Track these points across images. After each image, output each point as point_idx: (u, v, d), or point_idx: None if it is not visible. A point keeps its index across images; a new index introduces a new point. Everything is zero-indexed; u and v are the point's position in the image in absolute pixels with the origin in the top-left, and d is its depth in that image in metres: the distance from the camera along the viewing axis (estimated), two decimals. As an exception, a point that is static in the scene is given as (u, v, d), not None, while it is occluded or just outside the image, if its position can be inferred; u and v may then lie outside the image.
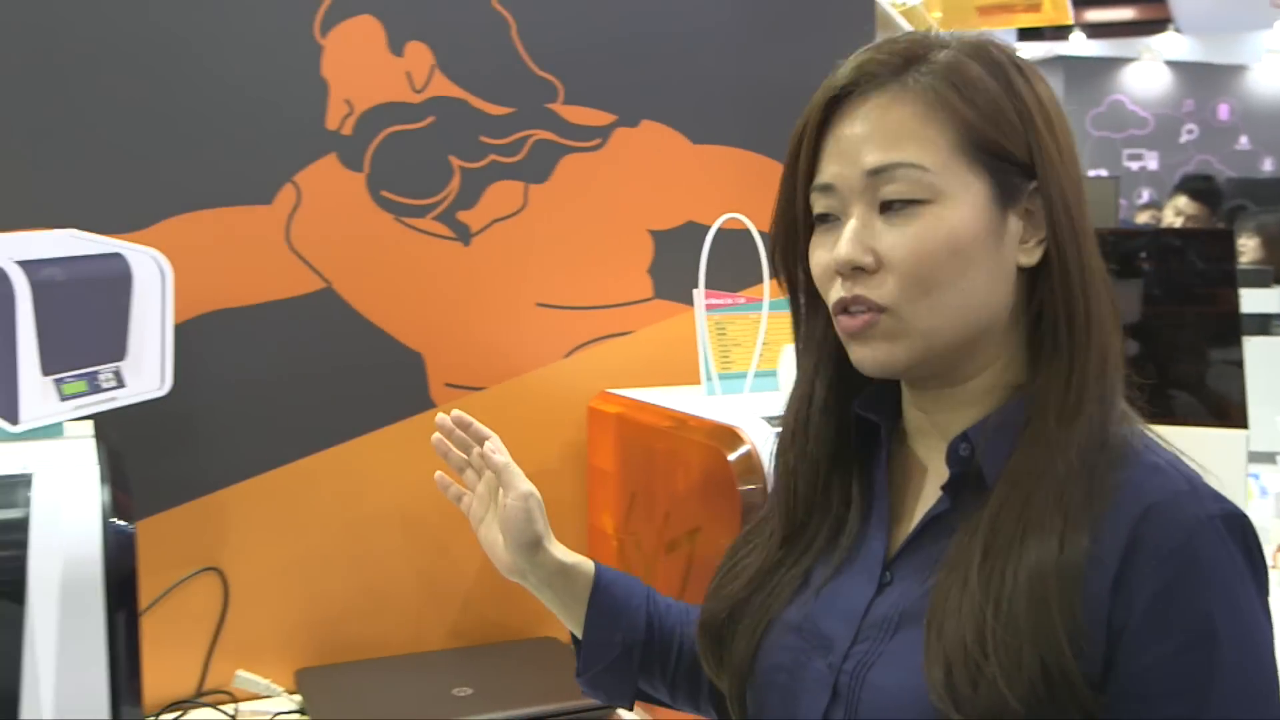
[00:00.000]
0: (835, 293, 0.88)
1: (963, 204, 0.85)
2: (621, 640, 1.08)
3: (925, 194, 0.84)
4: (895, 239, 0.85)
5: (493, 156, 1.72)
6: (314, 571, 1.66)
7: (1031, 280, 0.88)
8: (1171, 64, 10.45)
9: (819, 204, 0.90)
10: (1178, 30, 10.11)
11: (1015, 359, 0.90)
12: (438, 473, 1.15)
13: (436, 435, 1.12)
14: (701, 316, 1.65)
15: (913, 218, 0.85)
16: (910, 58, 0.87)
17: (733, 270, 1.71)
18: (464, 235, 1.71)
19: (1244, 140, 10.48)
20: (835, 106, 0.88)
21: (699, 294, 1.66)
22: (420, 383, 1.70)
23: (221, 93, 1.57)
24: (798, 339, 0.99)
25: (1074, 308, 0.85)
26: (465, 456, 1.12)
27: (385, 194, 1.66)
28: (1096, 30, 9.39)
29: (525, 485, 1.07)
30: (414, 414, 1.70)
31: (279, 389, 1.62)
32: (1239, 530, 0.82)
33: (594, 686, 1.11)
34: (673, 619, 1.11)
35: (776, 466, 0.99)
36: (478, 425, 1.12)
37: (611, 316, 1.81)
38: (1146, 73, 10.53)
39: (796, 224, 0.92)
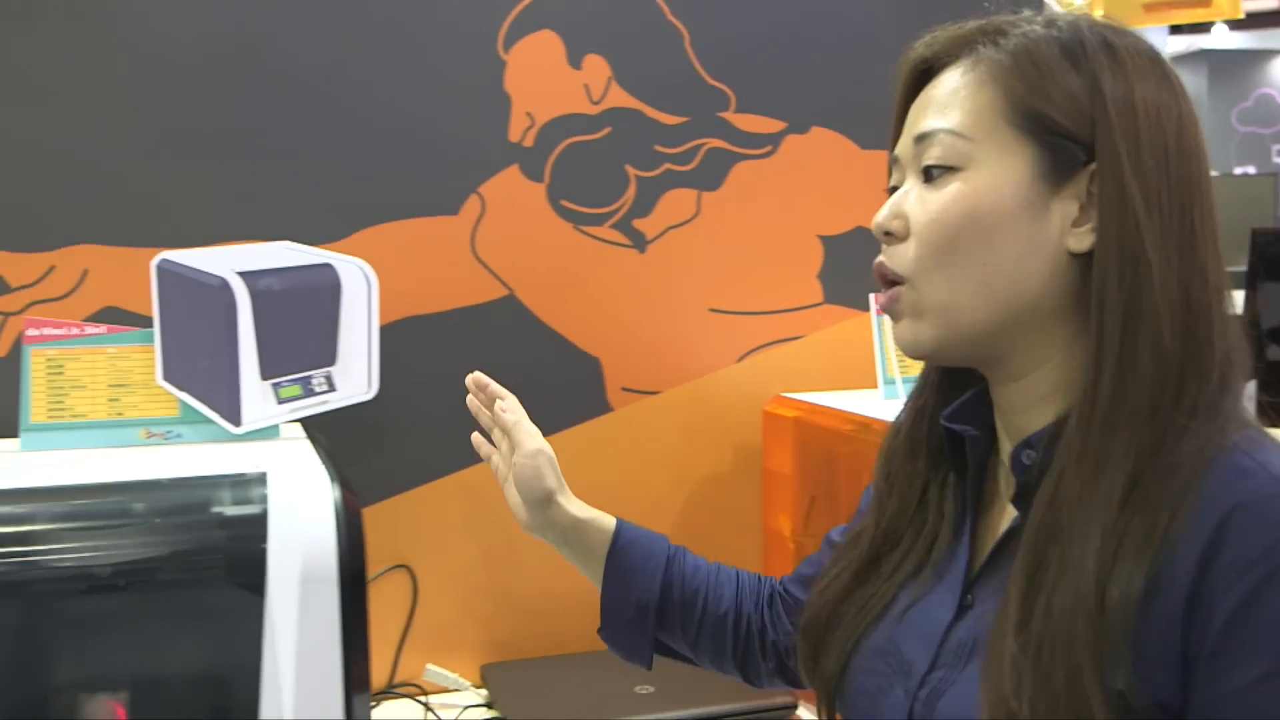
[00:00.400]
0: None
1: (996, 173, 0.81)
2: (636, 601, 1.08)
3: (958, 161, 0.81)
4: (922, 206, 0.83)
5: (667, 165, 1.75)
6: (497, 570, 1.71)
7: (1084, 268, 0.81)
8: (1220, 52, 9.99)
9: (892, 179, 0.89)
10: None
11: (1081, 355, 0.81)
12: (474, 433, 1.18)
13: (469, 396, 1.17)
14: (877, 320, 1.66)
15: (941, 186, 0.82)
16: (984, 31, 0.85)
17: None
18: (639, 243, 1.75)
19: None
20: (912, 85, 0.90)
21: (875, 298, 1.66)
22: (598, 387, 1.75)
23: (412, 109, 1.63)
24: None
25: (1125, 301, 0.77)
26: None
27: (564, 203, 1.71)
28: (1250, 21, 9.05)
29: (533, 443, 1.11)
30: (592, 417, 1.74)
31: (463, 394, 1.67)
32: None
33: (613, 642, 1.12)
34: (699, 580, 1.11)
35: (878, 474, 0.96)
36: (494, 386, 1.15)
37: (782, 321, 1.83)
38: (1296, 65, 10.16)
39: None
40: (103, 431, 1.31)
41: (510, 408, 1.14)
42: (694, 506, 1.78)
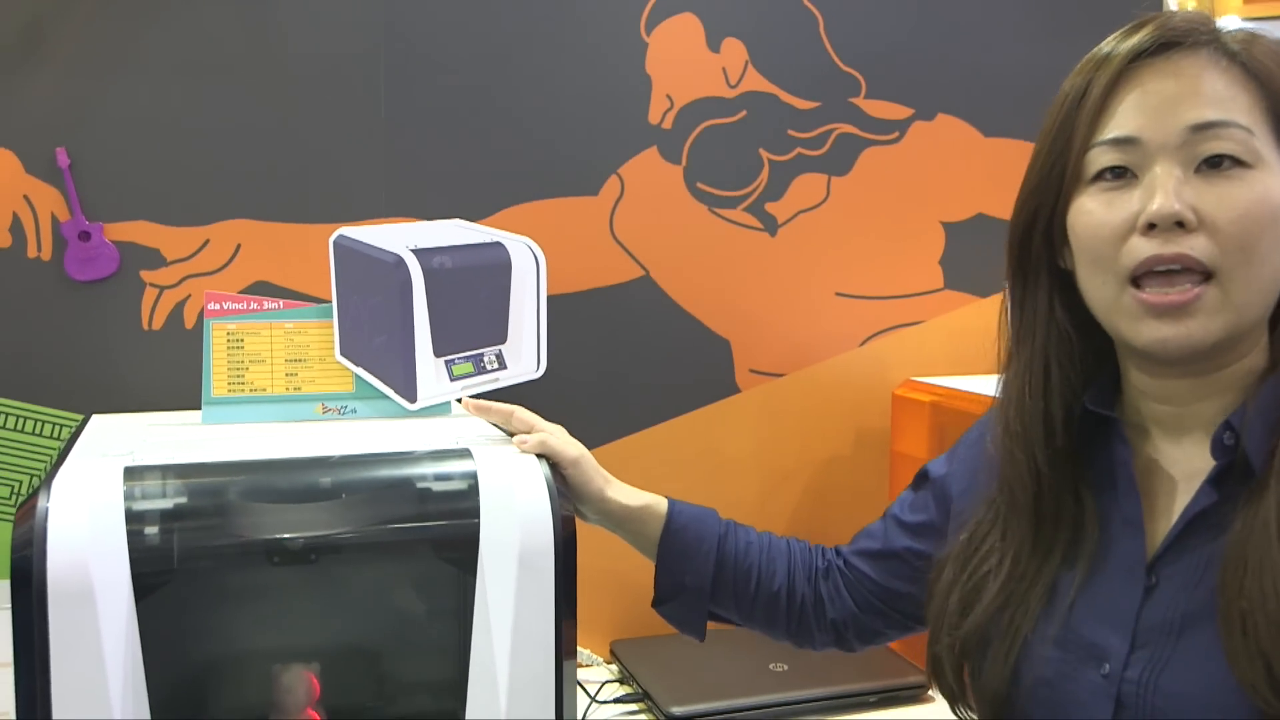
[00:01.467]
0: (1135, 252, 0.84)
1: (1275, 176, 0.83)
2: (689, 582, 1.15)
3: (1249, 157, 0.82)
4: (1220, 199, 0.82)
5: (799, 150, 1.76)
6: (627, 550, 1.73)
7: None
8: None
9: (1107, 158, 0.85)
10: None
11: (1266, 345, 0.87)
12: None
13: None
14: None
15: (1238, 180, 0.82)
16: (1212, 27, 0.86)
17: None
18: (771, 226, 1.76)
19: None
20: (1133, 65, 0.86)
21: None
22: (728, 368, 1.76)
23: (557, 91, 1.64)
24: (1018, 322, 0.96)
25: None
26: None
27: (700, 185, 1.72)
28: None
29: (572, 451, 1.15)
30: (721, 398, 1.76)
31: (599, 372, 1.69)
32: None
33: (668, 617, 1.20)
34: (752, 558, 1.16)
35: (1012, 460, 0.94)
36: (495, 407, 1.19)
37: (904, 306, 1.85)
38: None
39: (1062, 185, 0.89)
40: (280, 406, 1.32)
41: (524, 418, 1.17)
42: (819, 486, 1.80)
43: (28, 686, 0.94)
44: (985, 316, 1.78)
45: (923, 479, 1.13)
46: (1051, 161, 0.90)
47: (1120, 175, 0.85)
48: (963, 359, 1.83)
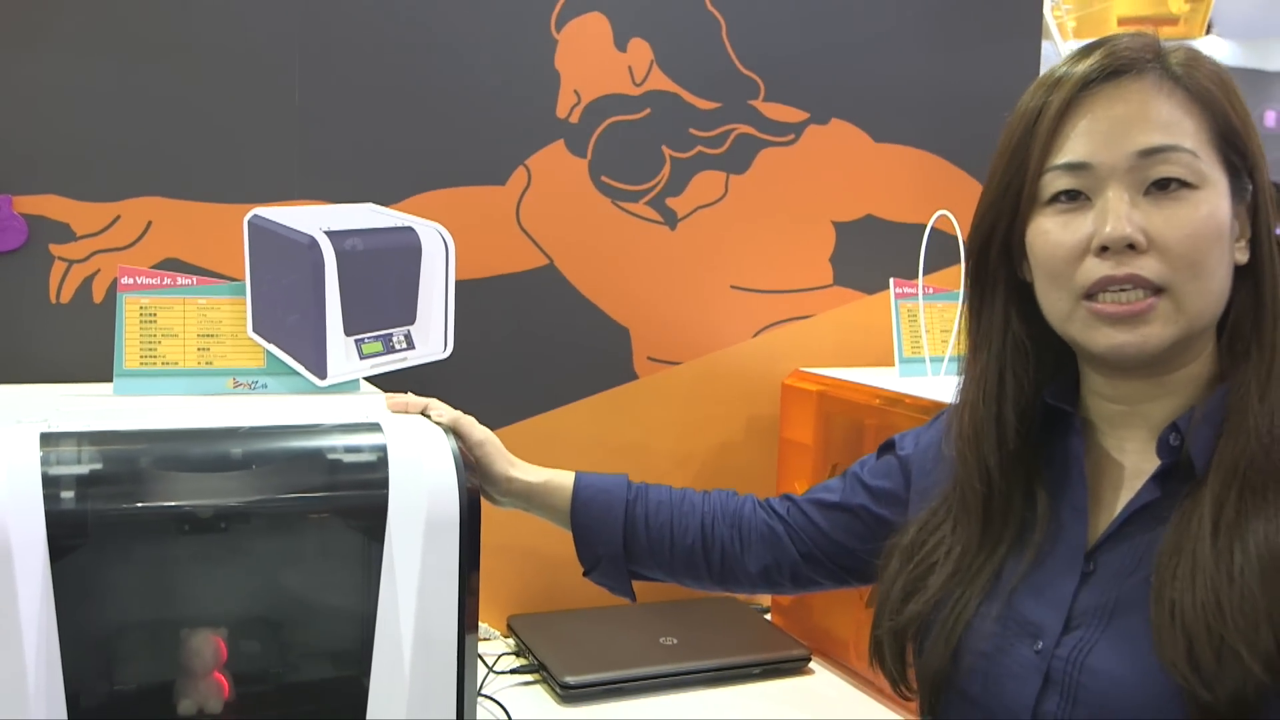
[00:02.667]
0: (1089, 273, 0.89)
1: (1217, 194, 0.89)
2: (603, 551, 1.24)
3: (1196, 179, 0.88)
4: (1168, 220, 0.87)
5: (700, 148, 1.84)
6: (523, 528, 1.79)
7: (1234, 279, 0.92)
8: None
9: (1061, 182, 0.91)
10: (1218, 35, 10.17)
11: (1213, 352, 0.93)
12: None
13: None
14: (896, 304, 1.78)
15: (1185, 201, 0.87)
16: (1157, 50, 0.90)
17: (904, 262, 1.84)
18: (671, 220, 1.84)
19: (1289, 148, 10.57)
20: (1084, 90, 0.90)
21: (926, 281, 1.78)
22: (626, 355, 1.84)
23: (468, 82, 1.69)
24: (975, 329, 1.02)
25: (1276, 302, 0.91)
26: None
27: (605, 179, 1.79)
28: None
29: (477, 434, 1.24)
30: (620, 384, 1.84)
31: (503, 357, 1.75)
32: None
33: (598, 583, 1.28)
34: (662, 518, 1.23)
35: (964, 462, 1.00)
36: (414, 401, 1.25)
37: (795, 300, 1.94)
38: (1193, 78, 10.60)
39: (1018, 207, 0.94)
40: (192, 379, 1.35)
41: (440, 410, 1.24)
42: (711, 470, 1.89)
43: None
44: (871, 312, 1.93)
45: (888, 448, 1.19)
46: (1008, 181, 0.95)
47: (1074, 198, 0.91)
48: (849, 352, 1.93)
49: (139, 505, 1.10)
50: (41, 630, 1.00)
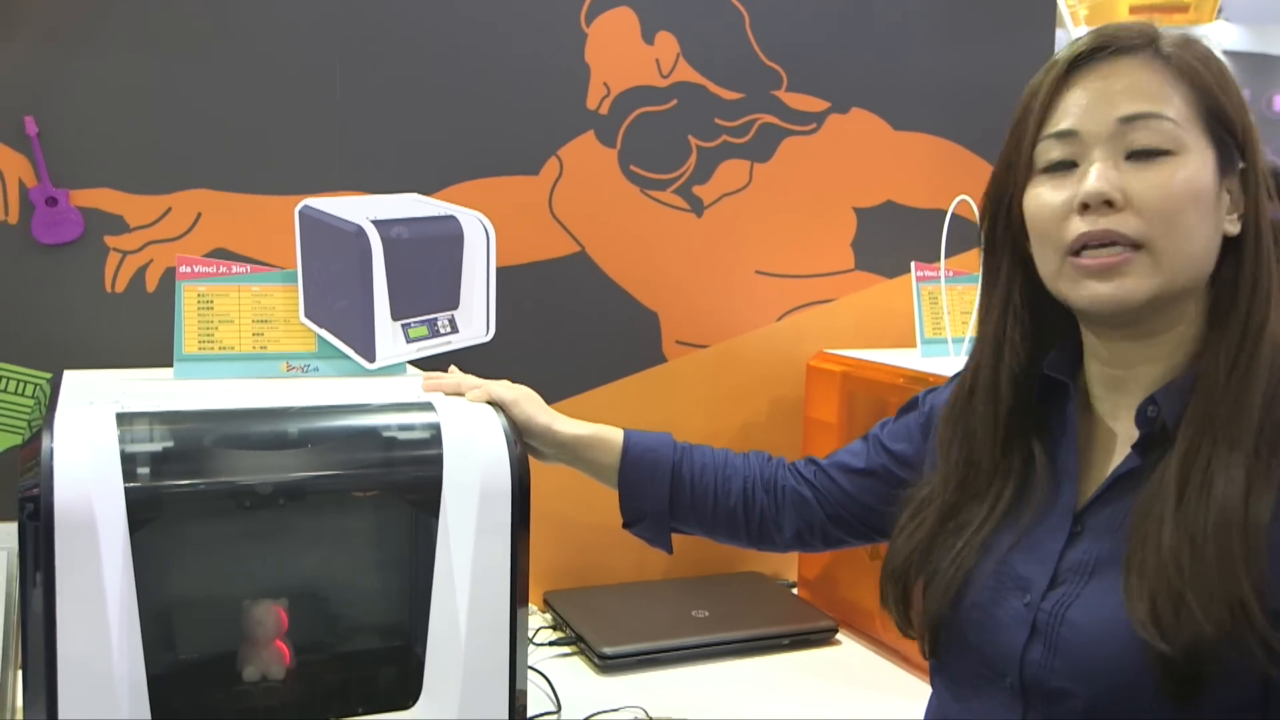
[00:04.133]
0: (1072, 229, 0.94)
1: (1199, 162, 0.93)
2: (649, 507, 1.30)
3: (1172, 145, 0.92)
4: (1145, 181, 0.92)
5: (725, 137, 1.90)
6: (559, 506, 1.85)
7: (1222, 254, 0.96)
8: (1229, 53, 10.52)
9: (1054, 150, 0.96)
10: (1226, 19, 10.19)
11: (1197, 322, 0.97)
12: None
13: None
14: (917, 287, 1.83)
15: (1163, 165, 0.92)
16: (1149, 35, 0.96)
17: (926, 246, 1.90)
18: (697, 208, 1.90)
19: (1298, 132, 10.59)
20: (1077, 67, 0.96)
21: (944, 265, 1.84)
22: (655, 339, 1.90)
23: (502, 76, 1.75)
24: (986, 300, 1.07)
25: (1260, 277, 0.94)
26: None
27: (633, 168, 1.85)
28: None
29: (512, 393, 1.29)
30: (649, 367, 1.90)
31: (538, 341, 1.81)
32: None
33: (638, 535, 1.33)
34: (707, 478, 1.29)
35: (950, 425, 1.07)
36: (446, 382, 1.31)
37: (818, 285, 2.00)
38: (1201, 62, 10.61)
39: (1018, 175, 0.99)
40: (247, 363, 1.42)
41: (473, 386, 1.29)
42: (738, 448, 1.92)
43: (36, 613, 1.03)
44: (892, 295, 1.99)
45: (909, 407, 1.26)
46: (1010, 155, 1.01)
47: (1065, 165, 0.96)
48: (871, 333, 1.99)
49: (209, 480, 1.16)
50: (124, 598, 1.06)
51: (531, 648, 1.69)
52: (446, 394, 1.29)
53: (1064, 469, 1.02)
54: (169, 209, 1.61)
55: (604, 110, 1.82)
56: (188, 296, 1.39)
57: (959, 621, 1.02)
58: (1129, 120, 0.94)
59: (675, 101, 1.86)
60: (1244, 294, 0.95)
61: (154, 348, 1.52)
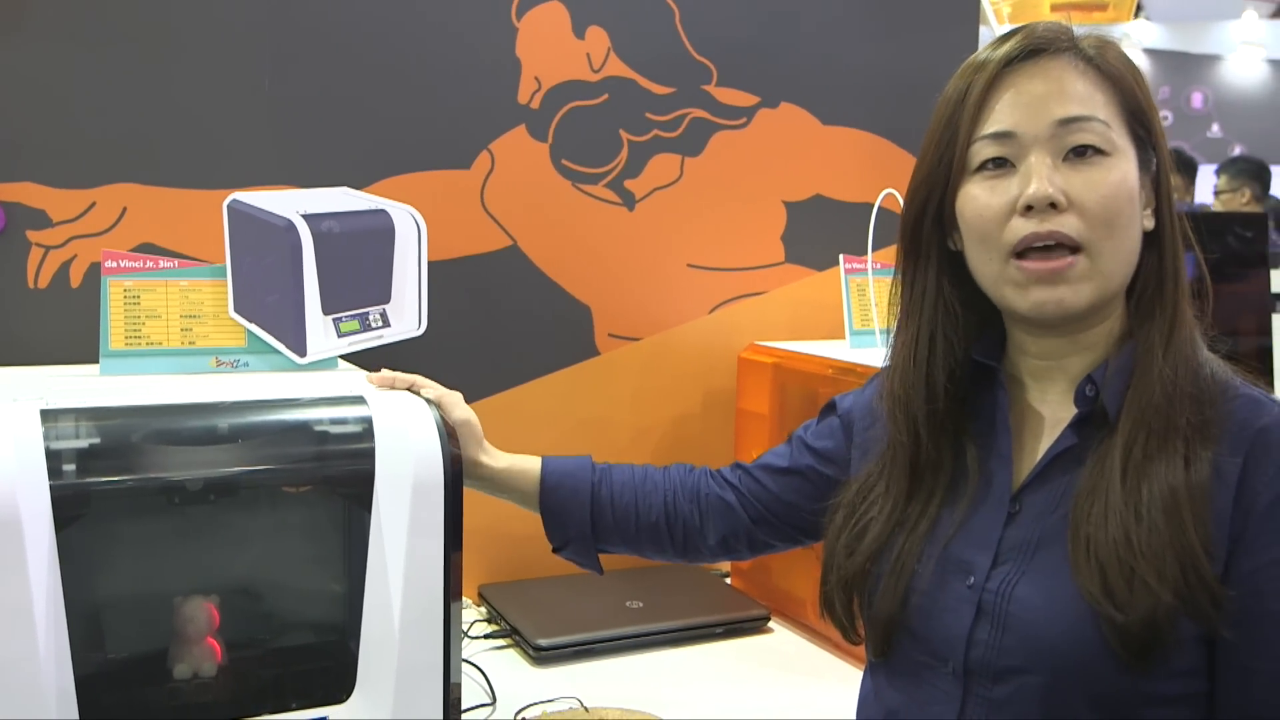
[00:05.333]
0: (1015, 231, 0.97)
1: (1128, 162, 0.98)
2: (573, 533, 1.32)
3: (1109, 147, 0.97)
4: (1085, 182, 0.95)
5: (656, 131, 1.91)
6: (494, 503, 1.85)
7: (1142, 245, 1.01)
8: (1149, 51, 10.75)
9: (989, 150, 0.99)
10: (1148, 18, 10.41)
11: (1123, 312, 1.02)
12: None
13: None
14: (846, 279, 1.86)
15: (1100, 166, 0.96)
16: (1071, 36, 1.00)
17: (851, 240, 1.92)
18: (629, 201, 1.91)
19: (1215, 129, 10.84)
20: (1006, 68, 0.99)
21: (874, 258, 1.87)
22: (588, 332, 1.91)
23: (433, 69, 1.75)
24: (907, 297, 1.10)
25: (1177, 268, 1.00)
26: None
27: (565, 162, 1.85)
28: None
29: (458, 414, 1.29)
30: (582, 360, 1.90)
31: (471, 335, 1.81)
32: None
33: (567, 559, 1.35)
34: (627, 498, 1.31)
35: (894, 420, 1.08)
36: (400, 377, 1.30)
37: (749, 278, 2.02)
38: (1123, 59, 10.81)
39: (949, 176, 1.02)
40: (176, 359, 1.40)
41: (426, 384, 1.31)
42: (671, 440, 1.96)
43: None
44: (821, 287, 2.01)
45: (830, 409, 1.28)
46: (939, 155, 1.02)
47: (1001, 165, 0.99)
48: (801, 325, 2.02)
49: (137, 477, 1.15)
50: (50, 598, 1.05)
51: (467, 641, 1.69)
52: (399, 389, 1.29)
53: (997, 453, 1.05)
54: (93, 203, 1.58)
55: (535, 104, 1.82)
56: (114, 292, 1.38)
57: (906, 616, 1.04)
58: (1067, 123, 0.97)
59: (606, 96, 1.87)
60: (1168, 285, 0.99)
61: (79, 344, 1.50)
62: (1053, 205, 0.96)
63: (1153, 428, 0.95)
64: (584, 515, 1.31)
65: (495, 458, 1.33)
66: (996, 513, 1.02)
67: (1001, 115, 0.99)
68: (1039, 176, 0.96)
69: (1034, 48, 1.00)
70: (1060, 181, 0.96)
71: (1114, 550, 0.91)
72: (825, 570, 1.12)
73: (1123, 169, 0.97)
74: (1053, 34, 1.01)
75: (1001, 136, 0.99)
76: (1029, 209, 0.96)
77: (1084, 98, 0.97)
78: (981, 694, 0.98)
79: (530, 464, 1.33)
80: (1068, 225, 0.96)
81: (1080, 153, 0.97)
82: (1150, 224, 1.01)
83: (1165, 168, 1.01)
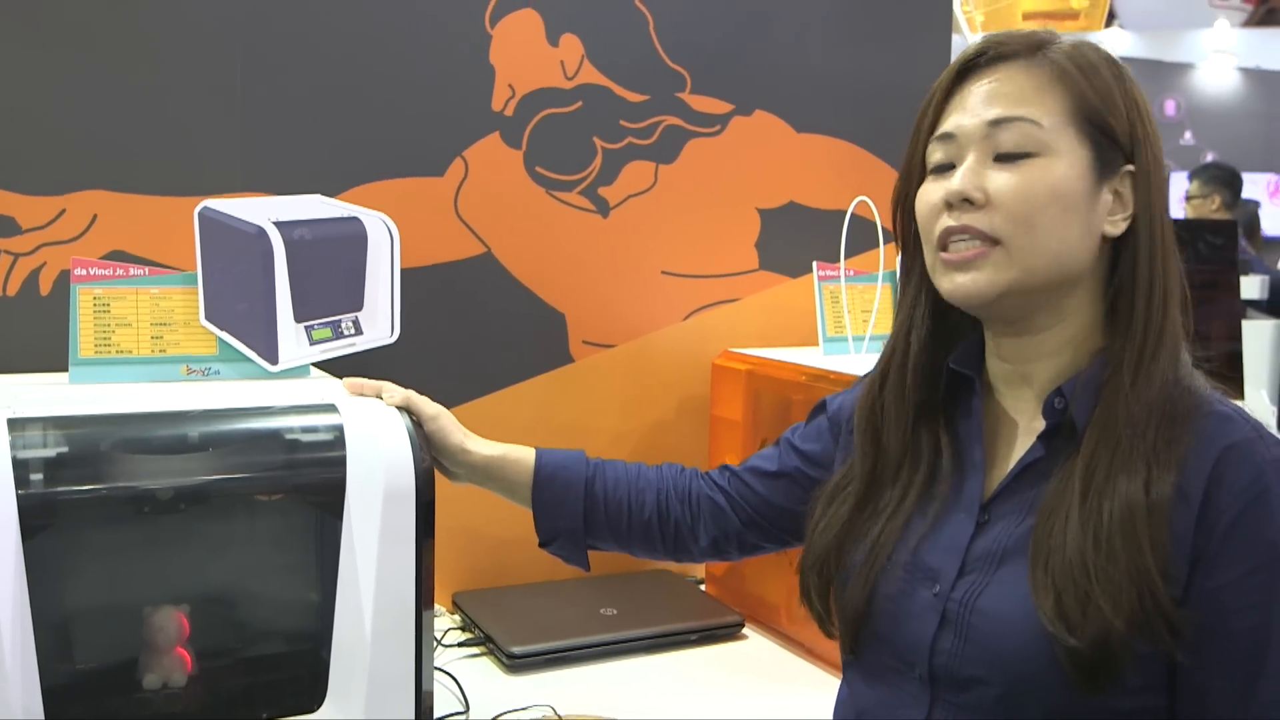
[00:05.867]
0: (940, 225, 1.00)
1: (1067, 164, 0.97)
2: (563, 526, 1.31)
3: (1035, 148, 0.97)
4: (1005, 182, 0.97)
5: (630, 139, 1.92)
6: (467, 507, 1.85)
7: (1116, 255, 1.00)
8: (1121, 59, 10.84)
9: (937, 153, 1.02)
10: (1121, 27, 10.49)
11: (1098, 324, 1.02)
12: None
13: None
14: (819, 285, 1.87)
15: (1025, 166, 0.97)
16: (1037, 42, 1.01)
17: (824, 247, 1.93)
18: (603, 209, 1.91)
19: (1188, 136, 10.92)
20: (965, 75, 1.02)
21: (854, 265, 1.87)
22: (562, 339, 1.91)
23: (405, 76, 1.75)
24: (902, 295, 1.12)
25: (1151, 280, 0.98)
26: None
27: (539, 170, 1.86)
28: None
29: (430, 409, 1.29)
30: (556, 367, 1.90)
31: (445, 343, 1.81)
32: None
33: (554, 554, 1.34)
34: (620, 494, 1.30)
35: (863, 415, 1.11)
36: (369, 384, 1.30)
37: (723, 285, 2.03)
38: (1096, 67, 10.88)
39: (913, 175, 1.05)
40: (146, 367, 1.39)
41: (392, 391, 1.29)
42: (646, 446, 1.97)
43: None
44: (795, 295, 2.02)
45: (819, 410, 1.28)
46: (909, 156, 1.07)
47: (941, 169, 1.02)
48: (775, 332, 2.03)
49: (105, 486, 1.14)
50: (17, 608, 1.05)
51: (440, 649, 1.69)
52: (368, 395, 1.28)
53: (970, 460, 1.06)
54: (63, 210, 1.57)
55: (509, 112, 1.82)
56: (83, 299, 1.37)
57: (874, 617, 1.05)
58: (996, 123, 0.99)
59: (580, 103, 1.87)
60: (1140, 296, 0.99)
61: (48, 352, 1.49)
62: (969, 201, 0.98)
63: (1117, 447, 0.95)
64: (577, 510, 1.30)
65: (484, 445, 1.31)
66: (967, 521, 1.03)
67: (949, 118, 1.02)
68: (961, 174, 0.99)
69: (992, 53, 1.02)
70: (982, 179, 0.99)
71: (1070, 574, 0.91)
72: (804, 559, 1.13)
73: (1055, 170, 0.98)
74: (1015, 38, 1.02)
75: (945, 138, 1.02)
76: (950, 205, 1.00)
77: (1021, 98, 0.99)
78: (948, 699, 0.99)
79: (523, 454, 1.32)
80: (980, 220, 0.98)
81: (1008, 154, 0.98)
82: (1115, 230, 1.00)
83: (1148, 175, 1.00)
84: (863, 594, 1.05)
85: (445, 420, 1.30)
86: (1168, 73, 11.05)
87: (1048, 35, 1.03)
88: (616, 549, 1.34)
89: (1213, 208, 4.76)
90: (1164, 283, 0.99)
